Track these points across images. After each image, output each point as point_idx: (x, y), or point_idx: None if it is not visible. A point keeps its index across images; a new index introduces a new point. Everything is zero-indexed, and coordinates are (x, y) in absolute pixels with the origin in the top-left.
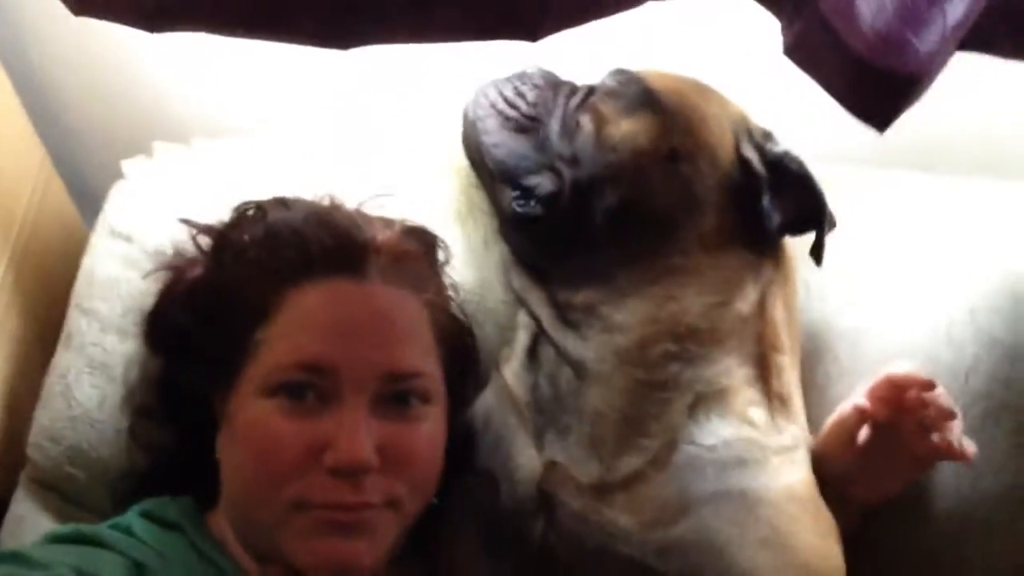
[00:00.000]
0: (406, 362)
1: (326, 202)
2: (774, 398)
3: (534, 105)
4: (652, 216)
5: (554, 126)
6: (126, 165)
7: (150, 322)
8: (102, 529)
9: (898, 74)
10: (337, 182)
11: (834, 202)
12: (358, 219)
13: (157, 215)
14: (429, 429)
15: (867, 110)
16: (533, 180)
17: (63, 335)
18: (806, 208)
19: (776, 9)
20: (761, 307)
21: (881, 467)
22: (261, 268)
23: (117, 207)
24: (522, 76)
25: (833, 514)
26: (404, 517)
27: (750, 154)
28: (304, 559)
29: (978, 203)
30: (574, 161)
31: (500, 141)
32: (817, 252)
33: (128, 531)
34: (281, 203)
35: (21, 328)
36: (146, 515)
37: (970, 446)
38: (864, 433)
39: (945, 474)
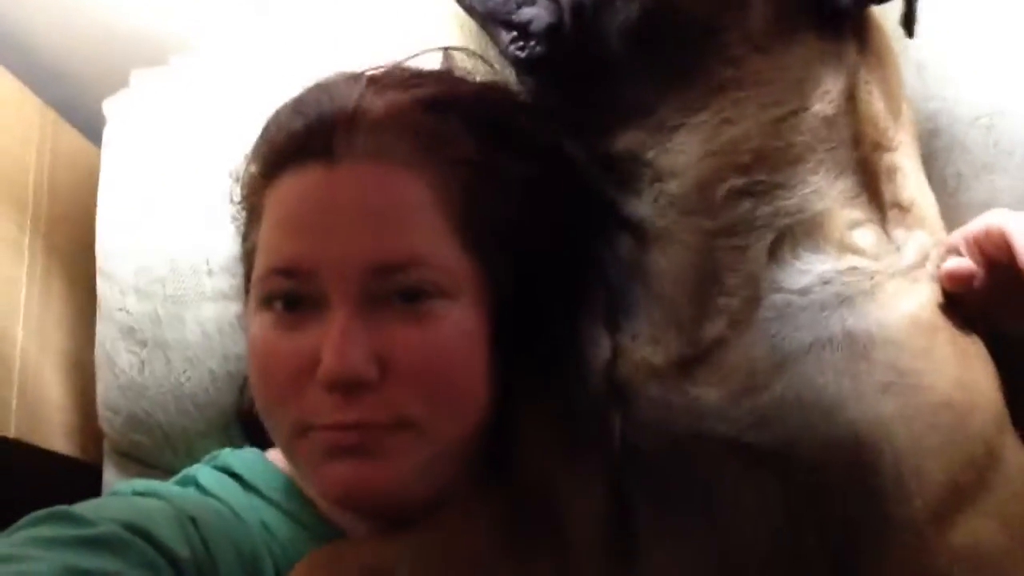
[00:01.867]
0: (395, 250)
1: (326, 78)
2: (890, 207)
3: None
4: (683, 25)
5: None
6: (107, 106)
7: None
8: (157, 484)
9: None
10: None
11: None
12: (340, 87)
13: (150, 156)
14: (448, 329)
15: None
16: (526, 14)
17: (98, 302)
18: None
19: None
20: (851, 101)
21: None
22: (250, 172)
23: (111, 154)
24: None
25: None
26: (433, 441)
27: None
28: (319, 487)
29: None
30: None
31: None
32: (909, 21)
33: (195, 483)
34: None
35: (68, 294)
36: (219, 467)
37: None
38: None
39: None
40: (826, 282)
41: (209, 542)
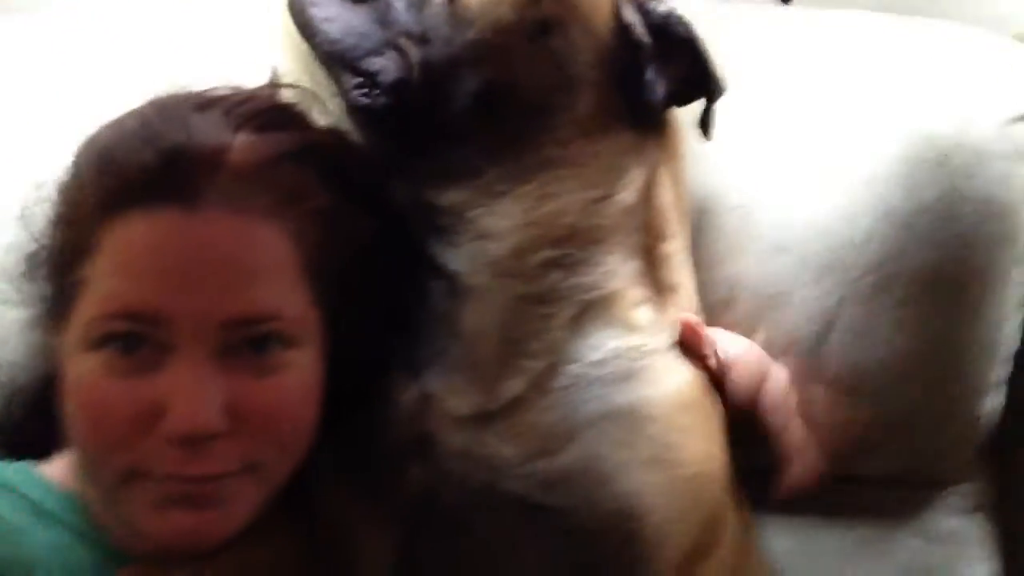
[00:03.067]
0: (255, 305)
1: (170, 101)
2: (662, 290)
3: None
4: (520, 101)
5: None
6: None
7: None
8: None
9: None
10: (147, 58)
11: (725, 51)
12: (196, 122)
13: None
14: (294, 378)
15: None
16: (375, 63)
17: None
18: (693, 76)
19: None
20: (647, 193)
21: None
22: (83, 197)
23: None
24: None
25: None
26: (269, 479)
27: (631, 18)
28: (149, 531)
29: (878, 46)
30: (424, 38)
31: (333, 15)
32: (705, 124)
33: None
34: (125, 117)
35: None
36: None
37: None
38: None
39: (836, 344)
40: (615, 358)
41: None
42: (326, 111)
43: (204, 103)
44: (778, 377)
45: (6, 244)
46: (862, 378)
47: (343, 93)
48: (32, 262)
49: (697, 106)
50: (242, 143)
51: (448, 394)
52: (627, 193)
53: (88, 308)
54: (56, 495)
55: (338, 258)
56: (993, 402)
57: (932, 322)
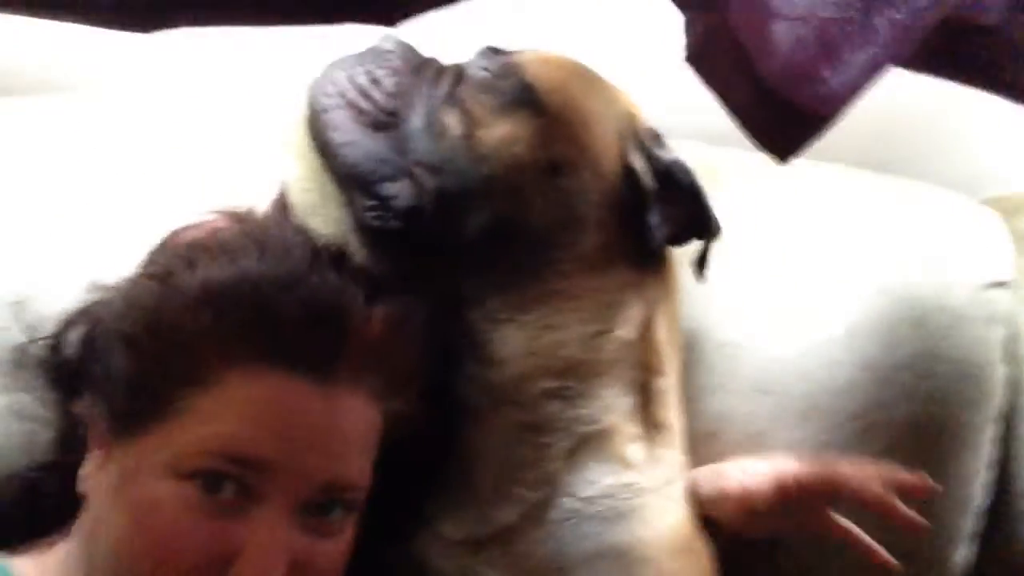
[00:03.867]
0: (351, 474)
1: (280, 237)
2: (654, 426)
3: (392, 95)
4: (528, 235)
5: (416, 122)
6: None
7: (62, 328)
8: None
9: (808, 110)
10: (157, 157)
11: (717, 196)
12: (340, 284)
13: None
14: (345, 542)
15: (769, 138)
16: (391, 189)
17: None
18: (693, 219)
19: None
20: (644, 330)
21: (772, 523)
22: (208, 329)
23: None
24: (377, 56)
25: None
26: None
27: (637, 163)
28: None
29: (863, 202)
30: (439, 169)
31: (351, 139)
32: (701, 265)
33: None
34: (251, 244)
35: None
36: None
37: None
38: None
39: None
40: (608, 495)
41: None
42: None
43: (336, 259)
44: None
45: None
46: None
47: (355, 212)
48: (26, 354)
49: (692, 247)
50: (379, 319)
51: (443, 517)
52: (626, 329)
53: (185, 437)
54: None
55: (400, 429)
56: (965, 553)
57: None
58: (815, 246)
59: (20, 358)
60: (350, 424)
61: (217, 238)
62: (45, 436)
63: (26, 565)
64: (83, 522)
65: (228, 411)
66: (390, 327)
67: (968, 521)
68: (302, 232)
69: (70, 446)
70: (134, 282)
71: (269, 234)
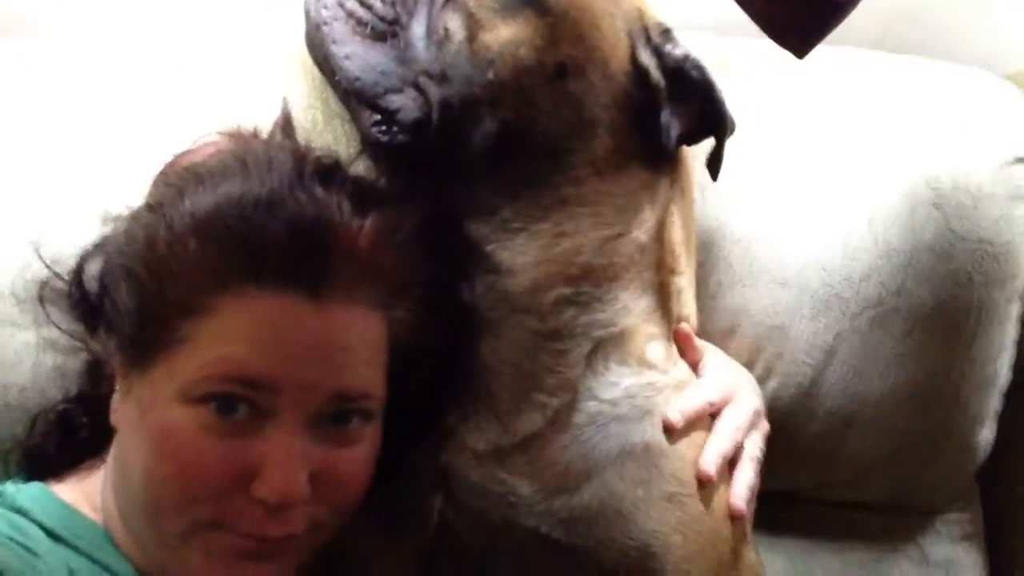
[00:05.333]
0: (358, 383)
1: (271, 156)
2: (674, 321)
3: (392, 4)
4: (538, 142)
5: (417, 31)
6: None
7: (80, 263)
8: None
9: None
10: (159, 84)
11: (729, 89)
12: (327, 198)
13: None
14: (365, 451)
15: (785, 34)
16: (395, 101)
17: None
18: (705, 117)
19: None
20: (659, 230)
21: None
22: (198, 259)
23: None
24: None
25: None
26: (324, 536)
27: (647, 61)
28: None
29: (878, 86)
30: (443, 78)
31: (352, 52)
32: (714, 164)
33: None
34: (235, 165)
35: None
36: (8, 508)
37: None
38: None
39: (834, 376)
40: (631, 396)
41: None
42: (341, 140)
43: (322, 172)
44: (746, 404)
45: (16, 269)
46: (860, 409)
47: (362, 128)
48: (48, 289)
49: (705, 144)
50: (369, 230)
51: (466, 428)
52: (641, 231)
53: (192, 364)
54: (73, 520)
55: (411, 338)
56: (988, 433)
57: (930, 356)
58: (832, 133)
59: (45, 293)
60: (350, 335)
61: (205, 163)
62: (75, 369)
63: (66, 491)
64: (114, 452)
65: (226, 336)
66: (382, 237)
67: (992, 400)
68: (286, 147)
69: (99, 378)
70: (133, 214)
71: (252, 154)
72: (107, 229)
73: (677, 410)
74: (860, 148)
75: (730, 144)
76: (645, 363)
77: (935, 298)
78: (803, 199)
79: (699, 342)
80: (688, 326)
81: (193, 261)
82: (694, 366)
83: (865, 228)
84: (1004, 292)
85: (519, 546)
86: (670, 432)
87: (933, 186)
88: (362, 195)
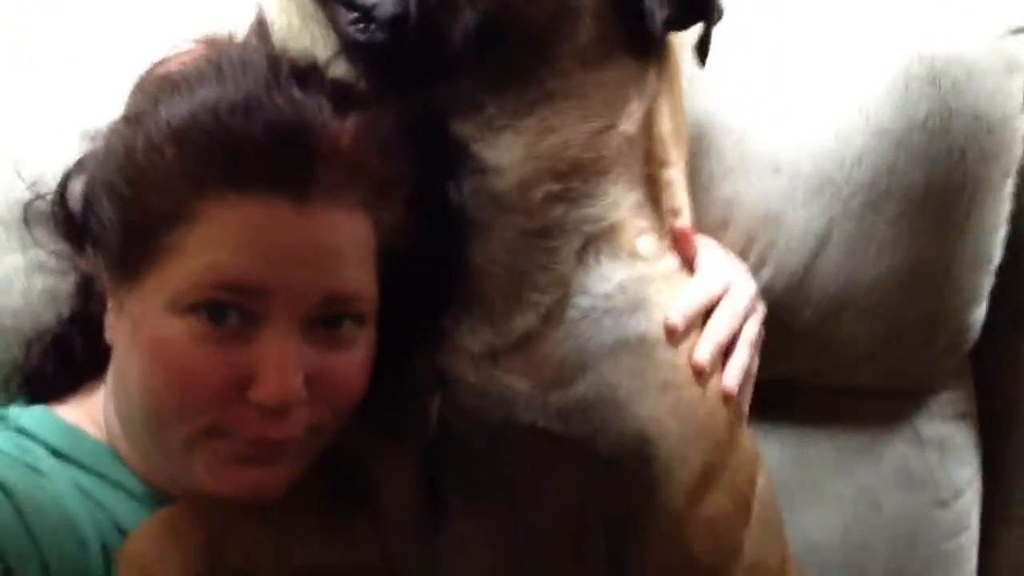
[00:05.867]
0: (347, 285)
1: (243, 57)
2: (665, 214)
3: None
4: (520, 33)
5: None
6: None
7: (62, 182)
8: None
9: None
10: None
11: None
12: (305, 100)
13: None
14: (360, 353)
15: None
16: None
17: None
18: (693, 1)
19: None
20: (647, 122)
21: None
22: (176, 166)
23: None
24: None
25: None
26: (325, 438)
27: None
28: (213, 486)
29: None
30: None
31: None
32: (702, 50)
33: None
34: (210, 71)
35: None
36: (12, 429)
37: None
38: None
39: (828, 261)
40: (623, 289)
41: (22, 509)
42: (319, 43)
43: (299, 74)
44: (742, 291)
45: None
46: (854, 294)
47: (338, 28)
48: (33, 210)
49: (693, 31)
50: (350, 130)
51: (461, 331)
52: (629, 124)
53: (180, 274)
54: (77, 439)
55: (401, 240)
56: (981, 311)
57: (924, 237)
58: (821, 14)
59: (30, 215)
60: (336, 237)
61: (180, 71)
62: (67, 289)
63: (69, 412)
64: (112, 369)
65: (210, 243)
66: (363, 137)
67: (986, 279)
68: (260, 50)
69: (91, 297)
70: (111, 127)
71: (227, 58)
72: (87, 146)
73: (678, 313)
74: (850, 28)
75: (718, 31)
76: (636, 256)
77: (928, 177)
78: (794, 84)
79: (695, 237)
80: (685, 223)
81: (172, 169)
82: (690, 260)
83: (856, 110)
84: (999, 167)
85: (518, 443)
86: (672, 335)
87: (926, 61)
88: (341, 96)
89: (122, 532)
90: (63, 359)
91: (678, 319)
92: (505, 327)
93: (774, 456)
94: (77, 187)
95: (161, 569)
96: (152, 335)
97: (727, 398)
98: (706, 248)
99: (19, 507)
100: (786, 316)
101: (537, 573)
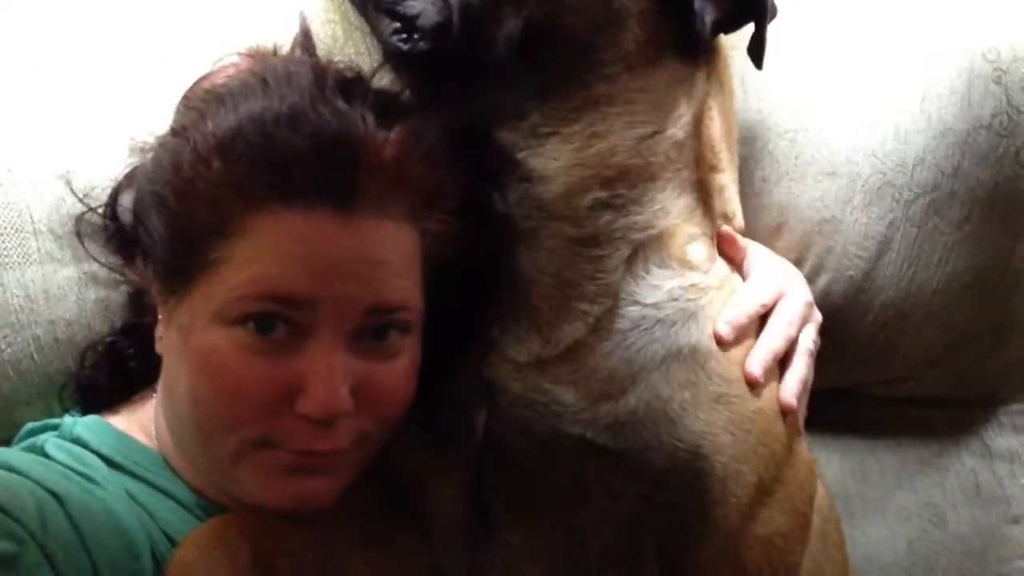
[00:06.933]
0: (393, 296)
1: (292, 72)
2: (717, 219)
3: None
4: (564, 39)
5: None
6: None
7: (112, 194)
8: (10, 453)
9: None
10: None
11: None
12: (349, 111)
13: None
14: (406, 363)
15: None
16: (414, 7)
17: None
18: (743, 1)
19: None
20: (697, 127)
21: None
22: (222, 179)
23: None
24: None
25: None
26: (373, 449)
27: None
28: (261, 497)
29: None
30: None
31: None
32: (756, 51)
33: (43, 454)
34: (256, 83)
35: None
36: (67, 439)
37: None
38: None
39: (889, 268)
40: (674, 298)
41: (75, 518)
42: (363, 53)
43: (343, 85)
44: (797, 297)
45: (51, 205)
46: (917, 301)
47: (381, 38)
48: (84, 223)
49: (745, 32)
50: (395, 141)
51: (507, 341)
52: (677, 128)
53: (227, 286)
54: (129, 448)
55: (447, 250)
56: None
57: (989, 241)
58: (878, 10)
59: (82, 228)
60: (382, 248)
61: (226, 84)
62: (119, 301)
63: (121, 422)
64: (163, 379)
65: (257, 255)
66: (408, 147)
67: None
68: (305, 62)
69: (143, 309)
70: (159, 141)
71: (272, 70)
72: (136, 159)
73: (726, 323)
74: (909, 24)
75: (772, 29)
76: (687, 264)
77: (994, 178)
78: (850, 83)
79: (742, 240)
80: (729, 228)
81: (218, 181)
82: (738, 265)
83: (917, 109)
84: None
85: (566, 456)
86: (722, 344)
87: (990, 59)
88: (386, 107)
89: (172, 540)
90: (116, 369)
91: (726, 329)
92: (553, 337)
93: (834, 468)
94: (127, 200)
95: None
96: (200, 346)
97: (785, 411)
98: (757, 254)
99: (71, 516)
100: (845, 324)
101: None
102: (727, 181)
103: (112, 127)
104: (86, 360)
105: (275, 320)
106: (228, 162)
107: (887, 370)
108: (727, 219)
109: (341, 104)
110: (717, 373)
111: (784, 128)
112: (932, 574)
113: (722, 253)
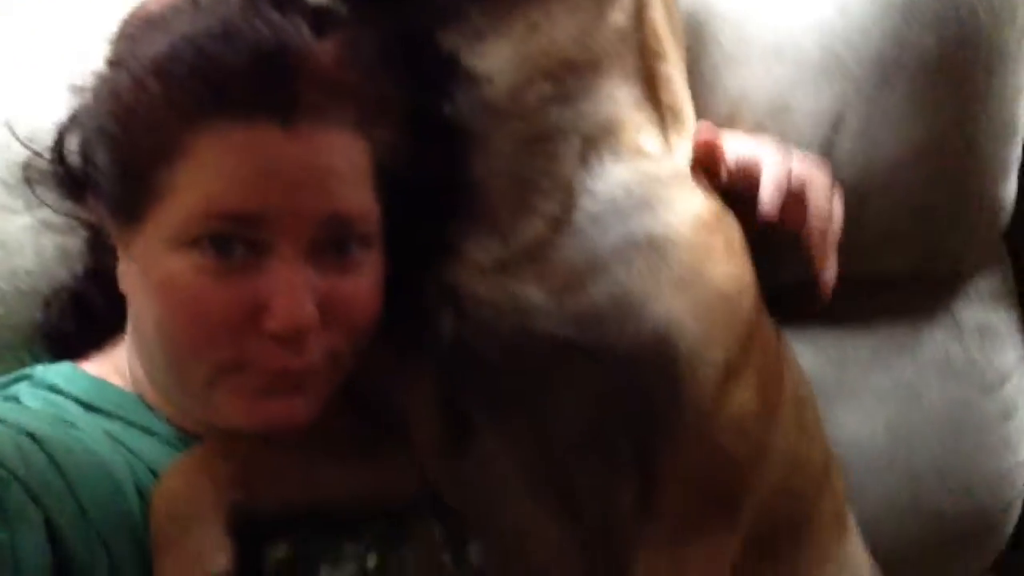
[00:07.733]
0: (346, 205)
1: None
2: (665, 112)
3: None
4: None
5: None
6: None
7: (58, 137)
8: None
9: None
10: None
11: None
12: (284, 24)
13: None
14: (370, 277)
15: None
16: None
17: None
18: None
19: None
20: (638, 12)
21: None
22: (161, 100)
23: None
24: None
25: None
26: (345, 366)
27: None
28: (237, 420)
29: None
30: None
31: None
32: None
33: (17, 402)
34: (187, 4)
35: None
36: (39, 385)
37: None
38: None
39: (845, 145)
40: (629, 189)
41: (56, 458)
42: None
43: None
44: (817, 182)
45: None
46: (875, 177)
47: None
48: (32, 169)
49: None
50: (331, 49)
51: (469, 246)
52: (618, 15)
53: (178, 210)
54: (104, 390)
55: (399, 159)
56: (1011, 185)
57: (942, 110)
58: None
59: (31, 174)
60: (329, 157)
61: (158, 7)
62: (78, 246)
63: (94, 367)
64: (130, 317)
65: (203, 175)
66: (345, 56)
67: (1012, 151)
68: None
69: (102, 251)
70: (97, 75)
71: None
72: (77, 100)
73: (767, 201)
74: None
75: None
76: (640, 154)
77: (940, 44)
78: None
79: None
80: (687, 123)
81: (157, 104)
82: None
83: None
84: (1015, 29)
85: (534, 353)
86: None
87: None
88: (321, 17)
89: (156, 475)
90: (83, 315)
91: (768, 209)
92: (513, 237)
93: (809, 358)
94: (73, 142)
95: (195, 503)
96: (159, 275)
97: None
98: (741, 141)
99: (53, 456)
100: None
101: (564, 481)
102: (673, 71)
103: (53, 71)
104: (51, 308)
105: (232, 240)
106: (165, 83)
107: (851, 251)
108: (674, 113)
109: (275, 16)
110: (678, 260)
111: (727, 10)
112: (911, 450)
113: (702, 164)
